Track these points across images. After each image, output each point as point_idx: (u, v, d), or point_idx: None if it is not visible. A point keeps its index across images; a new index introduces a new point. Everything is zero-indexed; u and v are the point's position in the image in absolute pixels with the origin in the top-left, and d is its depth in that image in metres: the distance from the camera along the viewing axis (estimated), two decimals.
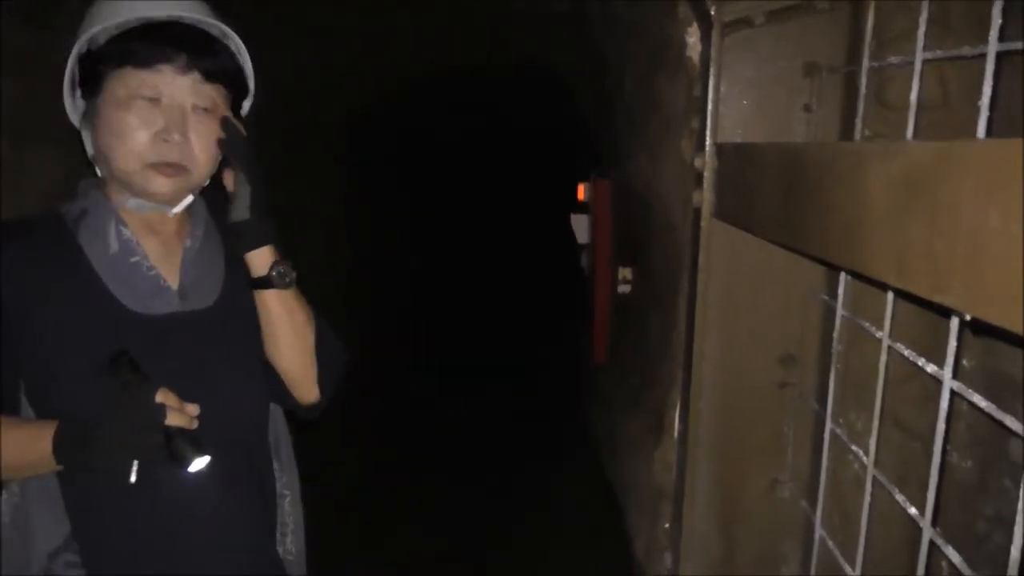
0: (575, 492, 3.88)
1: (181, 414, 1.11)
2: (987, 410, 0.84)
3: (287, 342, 1.29)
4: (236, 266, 1.28)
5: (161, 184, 1.19)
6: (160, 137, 1.17)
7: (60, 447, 1.10)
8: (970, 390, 0.88)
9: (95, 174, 1.25)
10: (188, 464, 1.10)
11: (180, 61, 1.17)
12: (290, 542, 1.38)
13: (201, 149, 1.21)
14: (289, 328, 1.29)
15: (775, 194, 1.04)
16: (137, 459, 1.08)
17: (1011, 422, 0.82)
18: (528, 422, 5.01)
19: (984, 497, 1.30)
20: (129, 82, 1.16)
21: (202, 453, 1.11)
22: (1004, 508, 1.29)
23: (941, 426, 0.91)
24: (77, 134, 1.25)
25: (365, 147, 5.63)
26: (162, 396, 1.09)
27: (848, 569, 1.19)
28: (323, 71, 4.25)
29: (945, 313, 0.88)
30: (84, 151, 1.25)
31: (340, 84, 4.69)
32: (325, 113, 4.82)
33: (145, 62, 1.16)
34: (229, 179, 1.25)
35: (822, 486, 1.27)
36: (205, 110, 1.20)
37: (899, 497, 1.04)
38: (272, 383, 1.32)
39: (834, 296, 1.36)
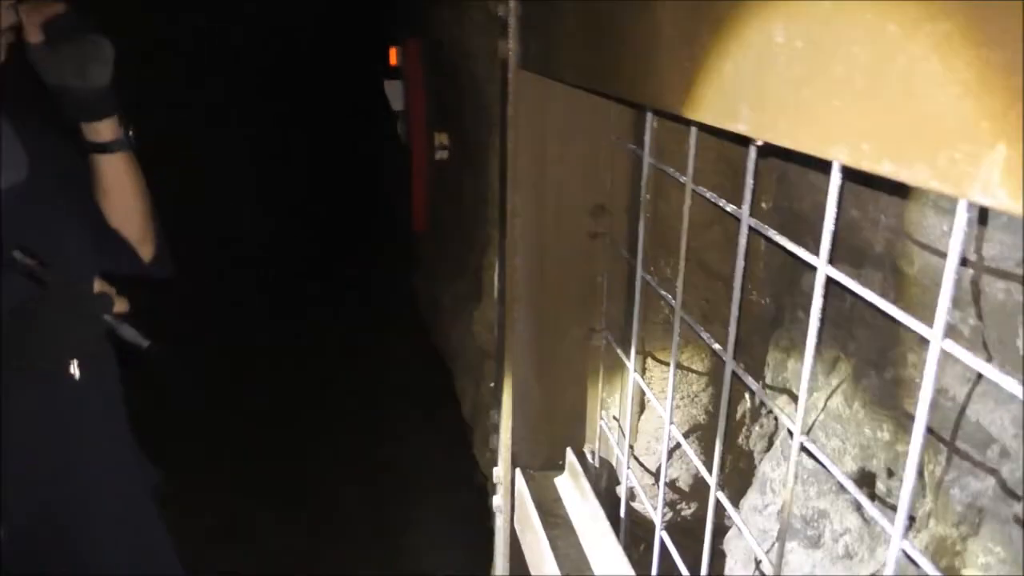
0: (405, 360, 3.91)
1: (122, 300, 1.05)
2: (781, 243, 0.87)
3: (133, 203, 1.31)
4: (45, 134, 1.25)
5: None
6: None
7: None
8: (765, 226, 0.91)
9: None
10: (141, 347, 1.04)
11: None
12: None
13: None
14: (137, 187, 1.32)
15: (577, 34, 1.00)
16: (80, 354, 1.04)
17: (803, 253, 0.85)
18: (357, 297, 4.93)
19: (781, 329, 1.38)
20: None
21: (148, 338, 1.05)
22: (797, 337, 1.38)
23: (740, 263, 0.94)
24: None
25: None
26: (99, 286, 1.03)
27: (659, 408, 1.24)
28: None
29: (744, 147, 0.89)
30: None
31: None
32: None
33: None
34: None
35: (635, 331, 1.30)
36: None
37: (704, 335, 1.08)
38: (114, 249, 1.33)
39: (641, 145, 1.37)
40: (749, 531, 1.38)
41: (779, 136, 0.54)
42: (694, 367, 1.47)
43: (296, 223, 6.02)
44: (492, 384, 1.71)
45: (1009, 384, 0.53)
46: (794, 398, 1.35)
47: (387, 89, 4.63)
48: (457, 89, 2.22)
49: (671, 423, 1.17)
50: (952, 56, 0.36)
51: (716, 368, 1.45)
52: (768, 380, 1.46)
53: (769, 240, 0.91)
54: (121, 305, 1.09)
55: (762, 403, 1.48)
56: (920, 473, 1.05)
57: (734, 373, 0.98)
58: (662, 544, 1.23)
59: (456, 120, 2.50)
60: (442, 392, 2.74)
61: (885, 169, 0.41)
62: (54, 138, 1.31)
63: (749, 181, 0.89)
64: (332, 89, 6.60)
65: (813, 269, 1.24)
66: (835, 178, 0.70)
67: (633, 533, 1.49)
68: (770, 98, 0.53)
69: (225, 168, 5.88)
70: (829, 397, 1.21)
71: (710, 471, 1.12)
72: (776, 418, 1.45)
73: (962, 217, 0.55)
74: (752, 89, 0.55)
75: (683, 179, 1.10)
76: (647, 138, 1.21)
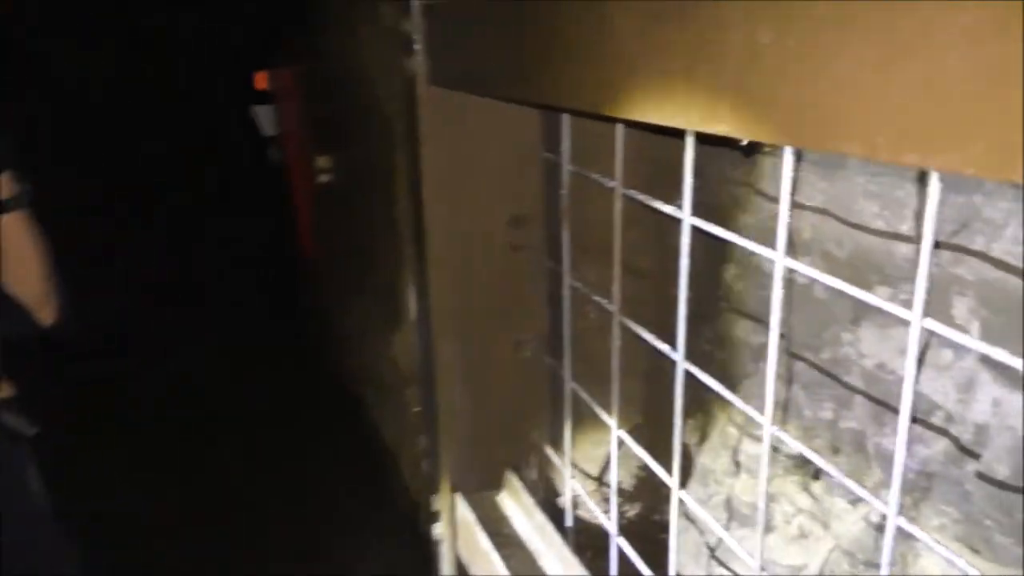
0: (302, 394, 3.77)
1: (6, 384, 0.95)
2: (708, 228, 0.88)
3: (30, 265, 1.23)
4: None
5: None
6: None
7: None
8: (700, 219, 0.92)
9: None
10: (25, 434, 0.92)
11: None
12: None
13: None
14: (34, 248, 1.24)
15: (501, 47, 0.99)
16: None
17: (729, 235, 0.87)
18: (243, 329, 4.72)
19: (707, 322, 1.41)
20: None
21: (33, 424, 0.94)
22: (722, 330, 1.41)
23: (685, 262, 0.95)
24: None
25: None
26: None
27: (604, 415, 1.24)
28: None
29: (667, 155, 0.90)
30: None
31: None
32: None
33: None
34: None
35: (567, 340, 1.30)
36: None
37: (648, 336, 1.08)
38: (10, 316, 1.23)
39: (555, 153, 1.37)
40: (695, 523, 1.40)
41: (779, 135, 0.54)
42: (629, 367, 1.48)
43: (168, 260, 5.75)
44: (418, 409, 1.67)
45: (1002, 356, 0.55)
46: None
47: (256, 115, 4.50)
48: (344, 109, 2.17)
49: (617, 429, 1.17)
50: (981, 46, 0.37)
51: (653, 368, 1.47)
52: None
53: (713, 237, 0.93)
54: (3, 390, 1.00)
55: (690, 398, 1.50)
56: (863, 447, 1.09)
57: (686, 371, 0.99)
58: (619, 549, 1.23)
59: (342, 140, 2.44)
60: (355, 422, 2.67)
61: (909, 160, 0.42)
62: None
63: (688, 179, 0.90)
64: (196, 119, 6.34)
65: (731, 262, 1.27)
66: (787, 171, 0.72)
67: (578, 542, 1.49)
68: (763, 98, 0.53)
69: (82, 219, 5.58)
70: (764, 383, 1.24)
71: (662, 471, 1.12)
72: (707, 411, 1.48)
73: (935, 196, 0.57)
74: (740, 89, 0.55)
75: (611, 184, 1.11)
76: (565, 146, 1.21)
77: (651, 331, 1.20)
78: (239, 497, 2.92)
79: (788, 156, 0.70)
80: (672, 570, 1.08)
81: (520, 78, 0.98)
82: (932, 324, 0.60)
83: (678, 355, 0.98)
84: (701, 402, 1.49)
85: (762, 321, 1.27)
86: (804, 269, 0.77)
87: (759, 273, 1.24)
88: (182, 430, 3.48)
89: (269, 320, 4.59)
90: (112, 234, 5.54)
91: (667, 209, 0.97)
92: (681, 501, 1.35)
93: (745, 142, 0.59)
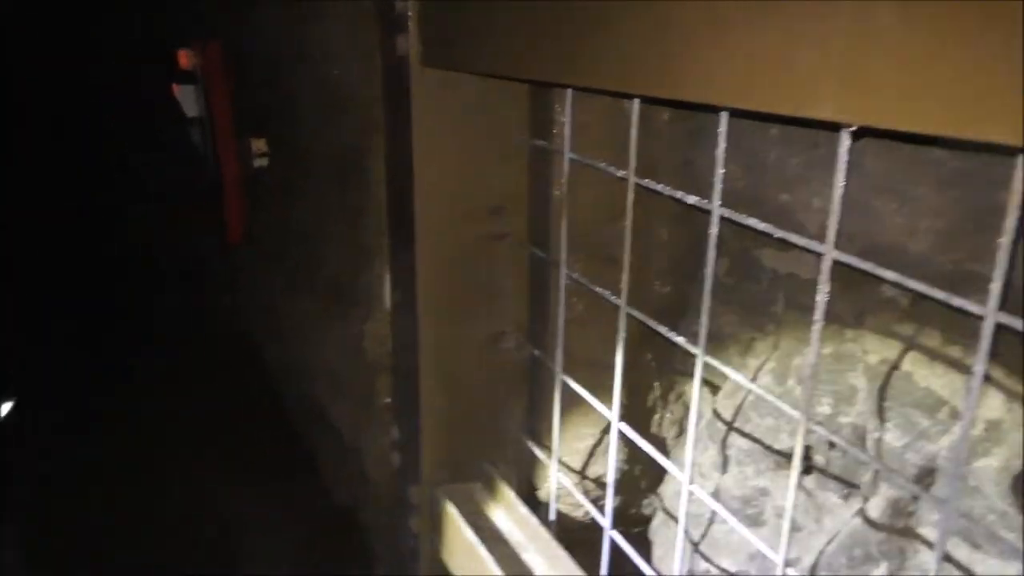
0: (228, 380, 3.62)
1: None
2: (738, 219, 0.88)
3: None
4: None
5: None
6: None
7: None
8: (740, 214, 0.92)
9: None
10: None
11: None
12: None
13: None
14: None
15: (521, 25, 0.96)
16: None
17: (766, 226, 0.87)
18: (171, 322, 4.49)
19: (690, 314, 1.41)
20: None
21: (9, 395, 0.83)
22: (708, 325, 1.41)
23: (712, 254, 0.94)
24: None
25: None
26: None
27: (601, 406, 1.23)
28: None
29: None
30: None
31: None
32: None
33: None
34: None
35: (560, 330, 1.28)
36: None
37: (661, 329, 1.07)
38: None
39: (544, 139, 1.35)
40: (673, 517, 1.40)
41: (884, 119, 0.53)
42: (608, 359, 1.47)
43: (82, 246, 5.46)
44: (388, 400, 1.63)
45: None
46: (706, 383, 1.38)
47: (178, 95, 4.31)
48: (298, 90, 2.09)
49: (619, 421, 1.16)
50: None
51: (634, 360, 1.45)
52: (679, 368, 1.48)
53: (742, 226, 0.92)
54: None
55: (668, 390, 1.50)
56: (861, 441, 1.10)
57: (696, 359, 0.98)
58: (612, 542, 1.22)
59: (288, 124, 2.35)
60: (305, 413, 2.57)
61: None
62: None
63: (719, 170, 0.89)
64: (115, 96, 6.03)
65: (724, 256, 1.26)
66: (842, 157, 0.71)
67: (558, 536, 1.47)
68: (872, 81, 0.52)
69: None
70: (754, 378, 1.24)
71: (671, 465, 1.12)
72: (686, 404, 1.48)
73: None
74: (846, 72, 0.54)
75: (620, 173, 1.09)
76: (567, 132, 1.19)
77: (631, 323, 1.19)
78: (201, 498, 2.78)
79: (845, 139, 0.70)
80: (678, 566, 1.07)
81: (542, 57, 0.95)
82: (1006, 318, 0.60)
83: (698, 349, 0.97)
84: (680, 394, 1.50)
85: (753, 315, 1.27)
86: (852, 260, 0.76)
87: (754, 266, 1.24)
88: (129, 436, 3.28)
89: (193, 311, 4.42)
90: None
91: (692, 200, 0.95)
92: (657, 495, 1.35)
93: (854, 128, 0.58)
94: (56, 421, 3.32)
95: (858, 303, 1.07)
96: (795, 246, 1.14)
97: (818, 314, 0.78)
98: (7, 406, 0.91)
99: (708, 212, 0.93)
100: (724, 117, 0.85)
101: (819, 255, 0.77)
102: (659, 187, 1.00)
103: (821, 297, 0.77)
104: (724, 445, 1.29)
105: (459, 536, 1.35)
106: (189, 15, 3.90)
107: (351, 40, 1.55)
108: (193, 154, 4.35)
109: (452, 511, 1.38)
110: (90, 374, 3.79)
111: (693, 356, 1.46)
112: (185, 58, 4.02)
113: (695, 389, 0.98)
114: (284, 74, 2.24)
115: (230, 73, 3.45)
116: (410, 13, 1.22)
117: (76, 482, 2.96)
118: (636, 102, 0.99)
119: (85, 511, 2.77)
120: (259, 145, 3.21)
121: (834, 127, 0.66)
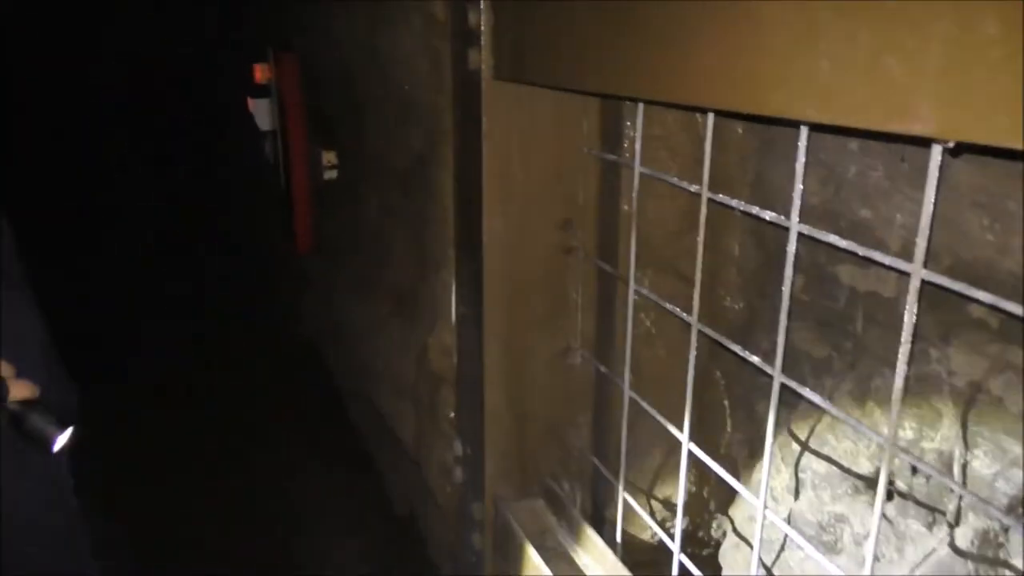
0: (296, 389, 3.67)
1: (25, 385, 0.85)
2: (816, 235, 0.84)
3: None
4: None
5: None
6: None
7: None
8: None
9: None
10: (51, 442, 0.85)
11: None
12: None
13: None
14: None
15: (603, 38, 0.94)
16: None
17: (845, 243, 0.83)
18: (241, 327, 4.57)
19: (760, 332, 1.37)
20: None
21: (63, 427, 0.86)
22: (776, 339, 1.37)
23: (789, 271, 0.90)
24: None
25: None
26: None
27: (671, 426, 1.20)
28: None
29: None
30: None
31: None
32: None
33: None
34: None
35: (629, 347, 1.26)
36: None
37: (735, 347, 1.04)
38: None
39: (614, 153, 1.33)
40: (749, 541, 1.36)
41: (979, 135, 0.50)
42: (677, 377, 1.44)
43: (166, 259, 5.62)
44: (452, 413, 1.62)
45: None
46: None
47: (253, 108, 4.39)
48: (361, 104, 2.10)
49: (689, 442, 1.13)
50: None
51: (702, 377, 1.42)
52: (749, 385, 1.44)
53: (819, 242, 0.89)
54: (22, 391, 0.89)
55: (737, 408, 1.46)
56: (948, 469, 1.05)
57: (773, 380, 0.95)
58: (681, 566, 1.19)
59: (354, 136, 2.37)
60: (368, 421, 2.58)
61: None
62: None
63: (798, 186, 0.86)
64: (193, 113, 6.21)
65: (800, 272, 1.22)
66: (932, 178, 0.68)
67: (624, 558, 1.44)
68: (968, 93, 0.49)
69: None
70: (830, 398, 1.20)
71: (745, 490, 1.08)
72: (756, 423, 1.44)
73: None
74: (944, 85, 0.51)
75: (694, 188, 1.07)
76: (638, 146, 1.17)
77: (701, 337, 1.16)
78: (264, 501, 2.82)
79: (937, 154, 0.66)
80: None
81: (614, 70, 0.93)
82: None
83: (775, 369, 0.94)
84: (750, 412, 1.46)
85: (829, 333, 1.23)
86: (943, 280, 0.72)
87: (831, 283, 1.20)
88: (190, 429, 3.36)
89: (267, 319, 4.50)
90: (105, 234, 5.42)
91: (768, 216, 0.92)
92: (730, 519, 1.31)
93: (951, 144, 0.55)
94: (136, 419, 3.43)
95: (943, 322, 1.02)
96: (876, 263, 1.10)
97: (905, 335, 0.74)
98: (66, 434, 0.90)
99: (784, 228, 0.90)
100: (804, 131, 0.82)
101: (906, 274, 0.73)
102: (733, 202, 0.97)
103: (909, 318, 0.73)
104: (798, 468, 1.25)
105: (523, 555, 1.33)
106: (265, 26, 3.98)
107: (421, 51, 1.56)
108: (265, 167, 4.43)
109: (516, 529, 1.37)
110: (162, 378, 3.90)
111: (764, 373, 1.42)
112: (260, 72, 4.10)
113: (771, 411, 0.95)
114: (354, 86, 2.26)
115: (303, 86, 3.52)
116: (483, 28, 1.21)
117: (153, 479, 3.04)
118: (711, 116, 0.96)
119: (162, 501, 2.84)
120: (329, 157, 3.25)
121: (924, 141, 0.63)
